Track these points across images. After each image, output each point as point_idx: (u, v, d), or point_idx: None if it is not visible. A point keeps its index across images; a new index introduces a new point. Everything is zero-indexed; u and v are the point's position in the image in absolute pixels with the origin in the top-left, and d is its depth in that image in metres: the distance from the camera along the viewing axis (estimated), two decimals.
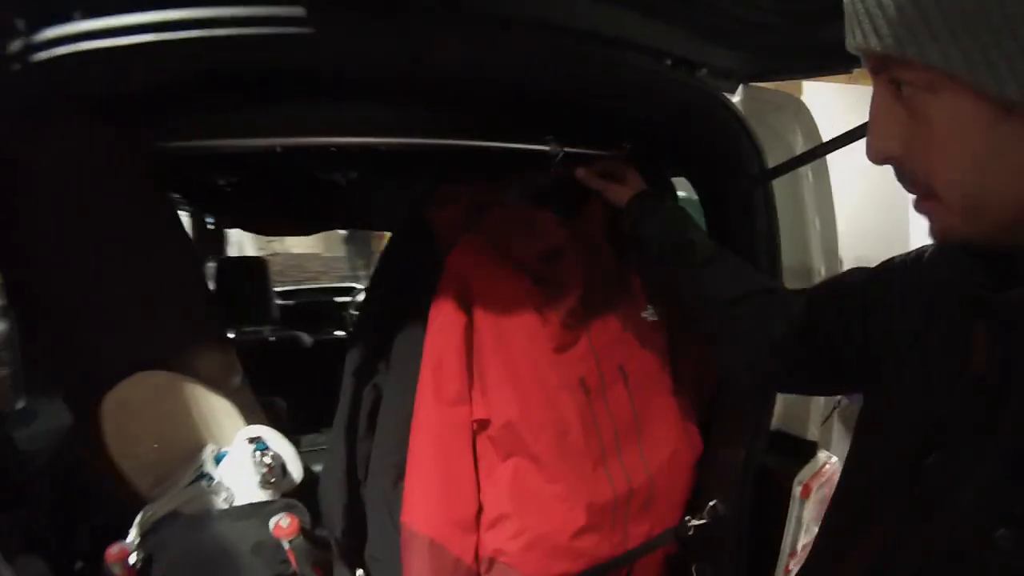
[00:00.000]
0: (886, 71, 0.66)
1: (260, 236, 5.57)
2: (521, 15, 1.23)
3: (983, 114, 0.60)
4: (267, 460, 1.52)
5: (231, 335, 3.24)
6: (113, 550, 1.36)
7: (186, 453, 1.56)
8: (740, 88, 1.61)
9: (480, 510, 1.54)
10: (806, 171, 1.66)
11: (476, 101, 1.69)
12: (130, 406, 1.53)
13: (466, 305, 1.54)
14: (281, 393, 2.05)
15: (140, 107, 1.45)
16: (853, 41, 0.67)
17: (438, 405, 1.51)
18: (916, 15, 0.59)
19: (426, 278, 1.57)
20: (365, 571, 1.62)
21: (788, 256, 1.66)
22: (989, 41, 0.57)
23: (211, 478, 1.52)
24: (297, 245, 11.81)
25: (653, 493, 1.62)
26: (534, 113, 1.74)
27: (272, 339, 3.21)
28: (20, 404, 1.85)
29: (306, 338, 3.09)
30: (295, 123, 1.59)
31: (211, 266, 3.90)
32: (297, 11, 1.10)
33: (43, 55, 1.12)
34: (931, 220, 0.70)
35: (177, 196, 2.78)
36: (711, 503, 1.64)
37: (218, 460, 1.54)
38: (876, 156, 0.69)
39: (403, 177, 2.17)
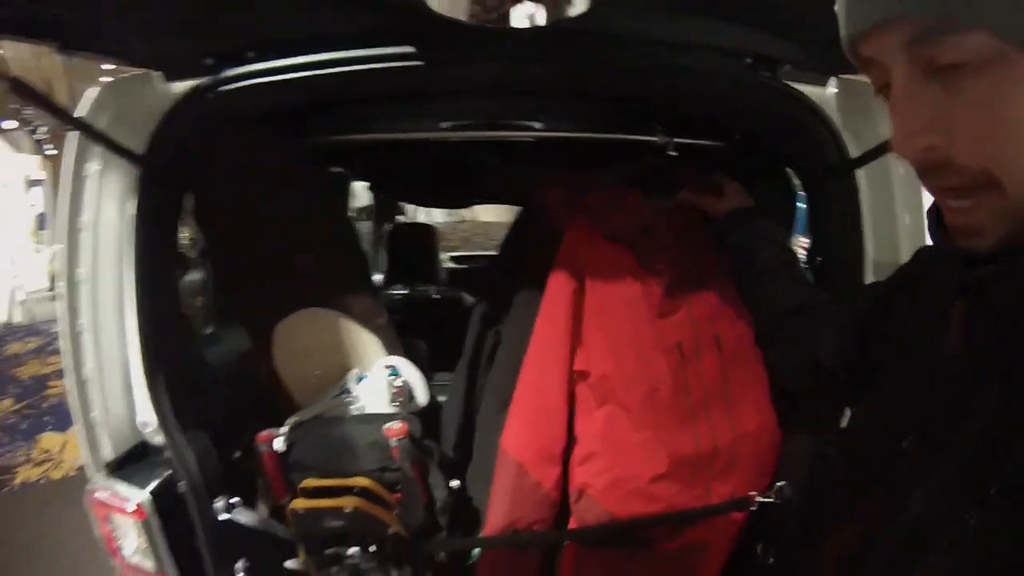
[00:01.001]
0: (919, 49, 0.58)
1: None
2: (596, 30, 1.42)
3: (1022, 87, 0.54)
4: (397, 383, 1.85)
5: (403, 291, 3.66)
6: (263, 434, 1.74)
7: (336, 374, 1.93)
8: (834, 80, 1.64)
9: (570, 447, 1.75)
10: (896, 165, 1.64)
11: (588, 100, 1.94)
12: (295, 335, 1.95)
13: (577, 273, 1.75)
14: (434, 341, 2.29)
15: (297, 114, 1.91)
16: (871, 16, 0.61)
17: (545, 354, 1.75)
18: None
19: (542, 246, 1.82)
20: (461, 483, 1.87)
21: (877, 250, 1.68)
22: None
23: (351, 394, 1.87)
24: (484, 213, 12.26)
25: (737, 456, 1.72)
26: (640, 108, 1.93)
27: (436, 297, 3.43)
28: (209, 330, 2.30)
29: (468, 298, 3.34)
30: (436, 117, 1.92)
31: (387, 229, 4.43)
32: (408, 49, 1.45)
33: (226, 88, 1.55)
34: (974, 220, 0.61)
35: (354, 174, 3.32)
36: (779, 484, 1.71)
37: (359, 380, 1.89)
38: (913, 148, 0.61)
39: (530, 162, 2.39)
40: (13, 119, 16.09)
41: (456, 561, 1.86)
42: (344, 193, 3.80)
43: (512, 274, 1.98)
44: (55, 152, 19.78)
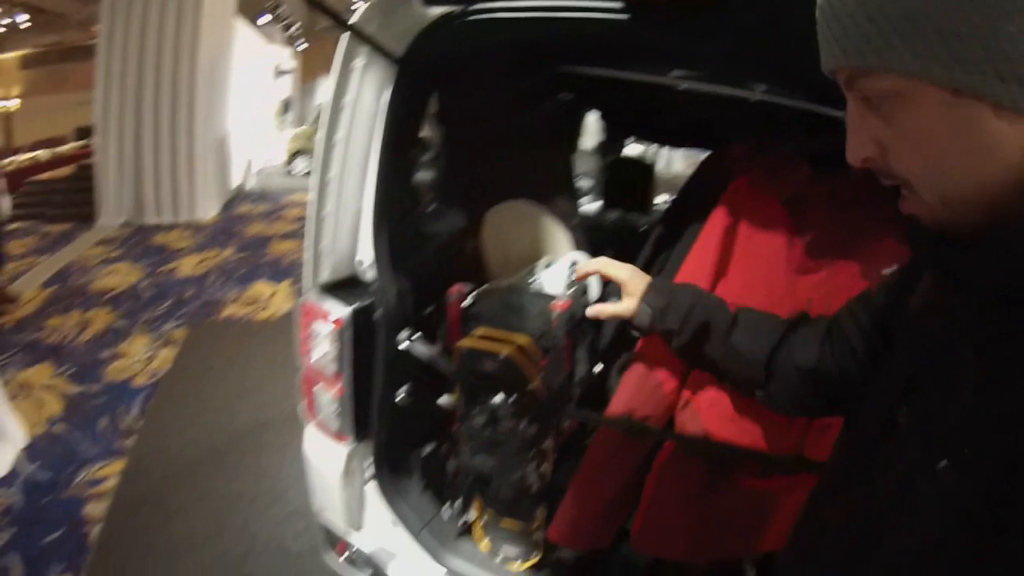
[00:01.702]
0: (856, 86, 0.74)
1: None
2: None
3: (938, 104, 0.67)
4: (575, 275, 2.02)
5: (614, 218, 3.92)
6: (456, 287, 2.05)
7: (529, 259, 2.20)
8: None
9: None
10: None
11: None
12: (502, 221, 2.25)
13: (734, 216, 1.89)
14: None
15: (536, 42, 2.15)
16: (827, 64, 0.76)
17: (692, 276, 1.89)
18: (873, 31, 0.68)
19: (714, 189, 1.97)
20: (604, 370, 2.08)
21: None
22: (932, 38, 0.64)
23: (536, 276, 2.12)
24: None
25: (835, 423, 1.67)
26: None
27: (643, 229, 3.47)
28: (432, 207, 2.67)
29: None
30: (665, 65, 2.09)
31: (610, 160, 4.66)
32: (615, 4, 1.60)
33: (472, 18, 1.83)
34: (913, 209, 0.75)
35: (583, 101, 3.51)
36: None
37: (546, 267, 2.13)
38: (856, 160, 0.77)
39: (741, 120, 2.50)
40: (269, 14, 17.20)
41: (577, 430, 2.09)
42: (571, 117, 4.12)
43: (686, 209, 2.14)
44: (306, 46, 21.07)
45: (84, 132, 18.83)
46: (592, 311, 1.74)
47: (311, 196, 2.02)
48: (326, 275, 2.07)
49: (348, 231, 2.06)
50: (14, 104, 25.64)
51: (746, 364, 1.47)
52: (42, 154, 18.11)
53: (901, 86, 0.68)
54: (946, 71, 0.64)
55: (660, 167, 10.77)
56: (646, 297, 1.58)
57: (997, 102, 0.63)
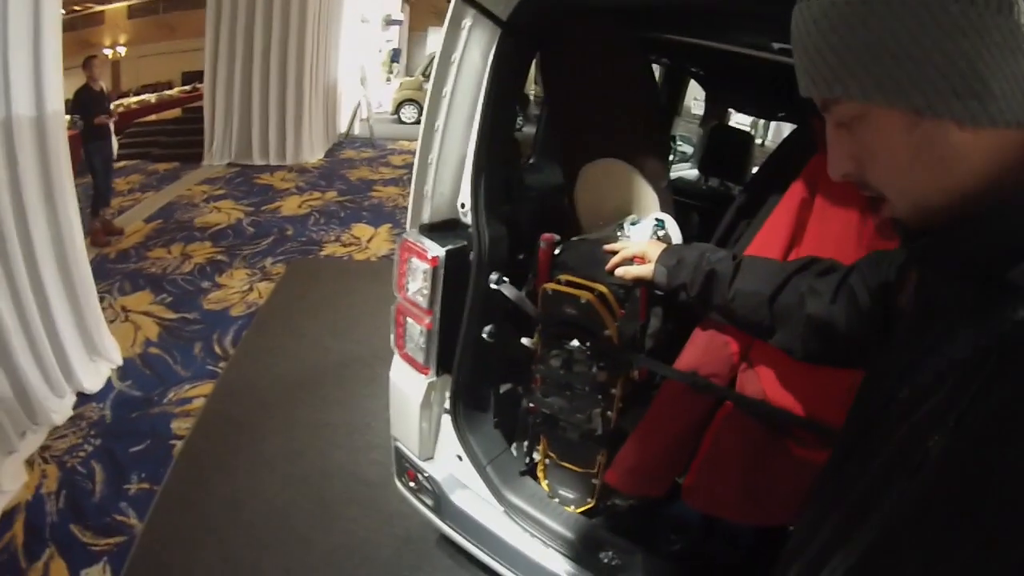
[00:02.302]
0: (829, 110, 0.80)
1: None
2: None
3: (901, 125, 0.72)
4: (659, 233, 2.14)
5: (710, 183, 4.03)
6: (547, 235, 2.16)
7: (617, 215, 2.30)
8: None
9: None
10: None
11: None
12: (596, 177, 2.36)
13: (811, 188, 1.93)
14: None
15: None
16: (802, 91, 0.83)
17: (767, 241, 1.97)
18: (836, 63, 0.74)
19: (799, 164, 2.01)
20: (675, 325, 2.15)
21: None
22: (881, 73, 0.71)
23: (623, 231, 2.21)
24: None
25: None
26: None
27: (734, 195, 3.46)
28: (532, 160, 2.77)
29: None
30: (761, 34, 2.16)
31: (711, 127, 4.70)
32: None
33: None
34: (893, 214, 0.81)
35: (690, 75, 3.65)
36: None
37: (633, 224, 2.22)
38: (836, 175, 0.84)
39: None
40: None
41: (645, 380, 2.17)
42: (669, 82, 4.25)
43: (769, 180, 2.20)
44: None
45: (191, 77, 19.40)
46: (619, 272, 1.93)
47: (419, 143, 2.16)
48: (427, 216, 2.23)
49: (451, 177, 2.21)
50: (122, 52, 26.36)
51: (752, 307, 1.60)
52: (150, 97, 18.60)
53: (866, 111, 0.75)
54: (905, 96, 0.70)
55: (769, 140, 10.69)
56: (660, 259, 1.82)
57: (961, 119, 0.69)
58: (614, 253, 1.97)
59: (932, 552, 0.68)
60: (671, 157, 4.74)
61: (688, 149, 5.38)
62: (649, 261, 1.85)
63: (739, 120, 7.59)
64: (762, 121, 10.51)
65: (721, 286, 1.66)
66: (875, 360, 1.06)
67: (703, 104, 6.22)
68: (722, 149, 4.20)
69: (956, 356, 0.73)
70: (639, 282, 1.92)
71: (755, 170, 4.55)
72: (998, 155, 0.69)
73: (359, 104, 14.55)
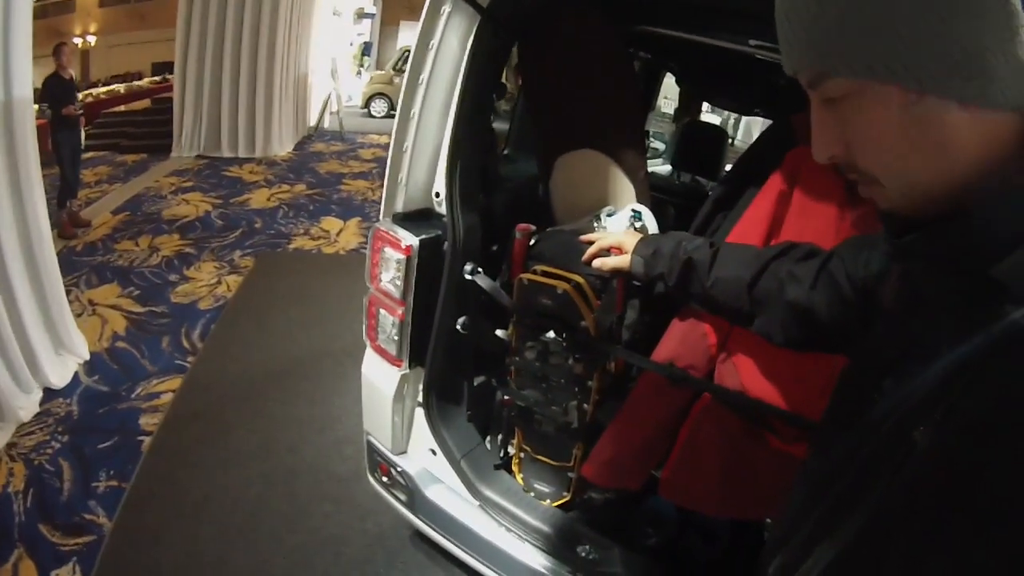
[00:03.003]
0: (819, 88, 0.76)
1: None
2: None
3: (894, 107, 0.70)
4: (636, 224, 2.13)
5: (684, 180, 4.02)
6: (522, 225, 2.15)
7: (594, 205, 2.26)
8: None
9: None
10: None
11: None
12: (572, 168, 2.34)
13: (790, 181, 1.93)
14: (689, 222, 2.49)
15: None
16: (789, 66, 0.79)
17: (746, 232, 1.97)
18: (836, 37, 0.71)
19: (777, 158, 2.00)
20: (652, 318, 2.15)
21: None
22: (882, 47, 0.68)
23: (600, 222, 2.19)
24: None
25: None
26: None
27: (707, 191, 3.51)
28: (507, 151, 2.75)
29: None
30: (737, 33, 2.12)
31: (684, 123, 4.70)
32: None
33: None
34: (877, 200, 0.79)
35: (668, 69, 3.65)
36: None
37: (609, 215, 2.19)
38: (821, 158, 0.80)
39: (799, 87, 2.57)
40: None
41: (622, 372, 2.17)
42: (647, 76, 4.24)
43: (747, 173, 2.19)
44: None
45: (161, 67, 19.17)
46: (596, 264, 1.90)
47: (394, 130, 2.13)
48: (400, 205, 2.20)
49: (425, 166, 2.18)
50: (92, 41, 26.11)
51: (732, 294, 1.58)
52: (119, 87, 18.41)
53: (860, 87, 0.72)
54: (909, 71, 0.67)
55: (739, 136, 10.76)
56: (637, 249, 1.79)
57: (959, 99, 0.67)
58: (590, 244, 1.95)
59: (917, 544, 0.68)
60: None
61: (660, 145, 5.39)
62: (626, 252, 1.82)
63: (710, 119, 7.65)
64: (732, 120, 10.54)
65: (700, 274, 1.64)
66: (858, 350, 1.05)
67: (672, 103, 6.25)
68: (696, 145, 4.20)
69: (942, 350, 0.72)
70: (617, 273, 1.89)
71: (730, 166, 4.60)
72: (992, 139, 0.68)
73: (329, 97, 14.53)
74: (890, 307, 0.99)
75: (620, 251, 1.85)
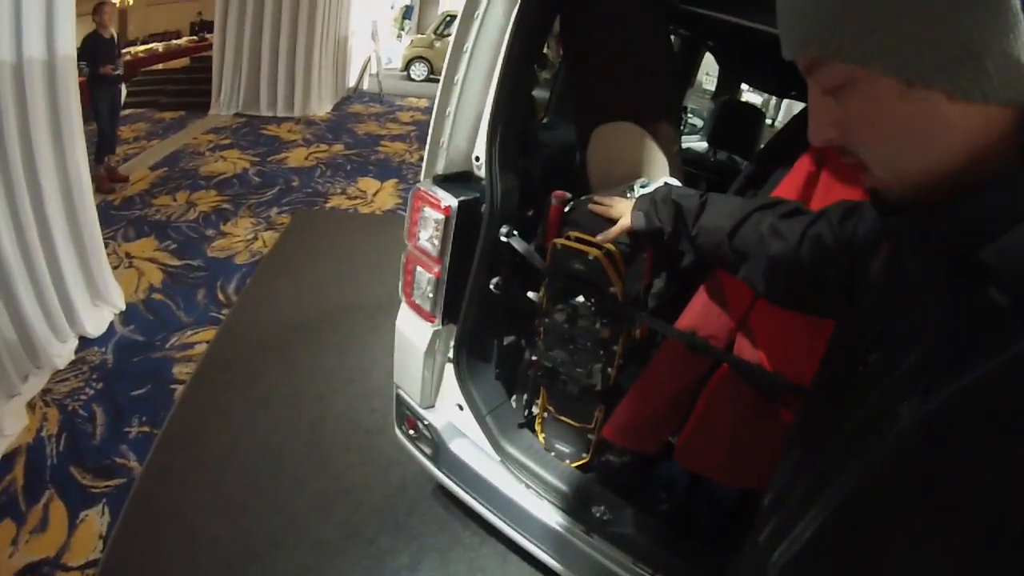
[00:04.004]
0: (815, 73, 0.76)
1: None
2: None
3: (891, 94, 0.70)
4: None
5: (719, 156, 4.05)
6: (559, 192, 2.22)
7: (628, 176, 2.33)
8: None
9: None
10: None
11: None
12: (609, 139, 2.38)
13: (818, 164, 1.96)
14: None
15: None
16: (787, 50, 0.79)
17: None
18: (833, 22, 0.71)
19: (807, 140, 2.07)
20: (680, 287, 2.23)
21: None
22: (879, 39, 0.68)
23: (632, 193, 2.21)
24: None
25: None
26: None
27: (741, 169, 3.49)
28: (547, 119, 2.79)
29: None
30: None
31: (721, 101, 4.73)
32: None
33: None
34: (873, 184, 0.79)
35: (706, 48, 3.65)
36: None
37: (643, 187, 2.24)
38: (817, 141, 0.80)
39: None
40: None
41: (645, 339, 2.23)
42: (686, 53, 4.26)
43: (779, 153, 2.24)
44: None
45: (199, 26, 19.19)
46: (600, 237, 1.99)
47: (437, 95, 2.19)
48: (441, 167, 2.27)
49: (467, 131, 2.24)
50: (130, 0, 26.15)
51: (714, 243, 1.64)
52: (157, 46, 18.42)
53: (858, 74, 0.72)
54: (904, 62, 0.68)
55: (780, 118, 10.67)
56: (637, 204, 1.87)
57: (951, 91, 0.67)
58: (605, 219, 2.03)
59: (900, 516, 0.71)
60: (682, 127, 4.72)
61: (698, 122, 5.39)
62: (624, 213, 1.91)
63: (751, 99, 7.60)
64: (773, 102, 10.48)
65: (688, 221, 1.70)
66: (844, 322, 1.09)
67: (713, 79, 6.22)
68: (733, 123, 4.21)
69: (927, 328, 0.74)
70: (632, 236, 1.96)
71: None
72: (984, 131, 0.69)
73: (369, 59, 14.51)
74: (876, 281, 1.01)
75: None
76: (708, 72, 7.14)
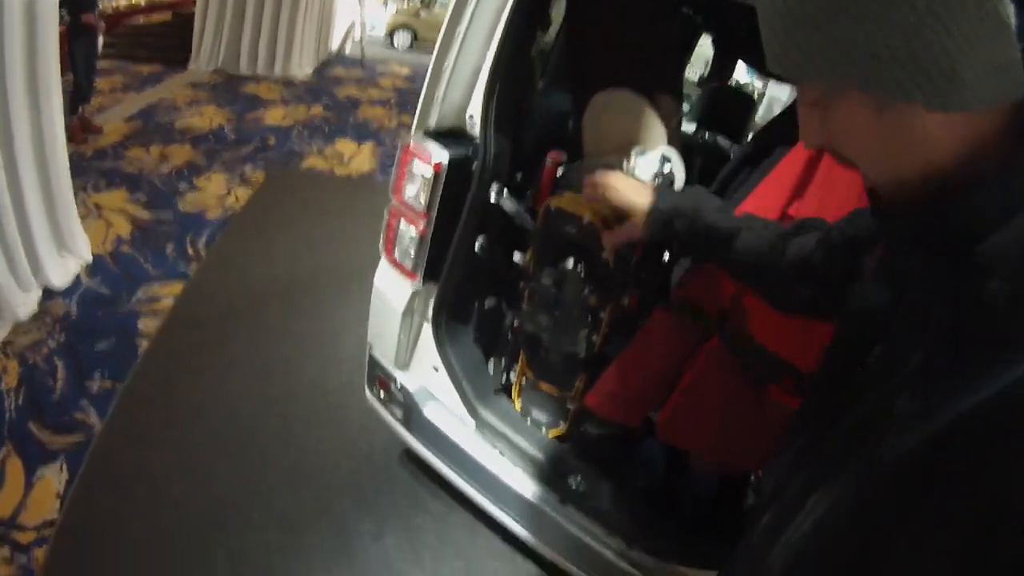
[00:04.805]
0: (796, 86, 0.82)
1: None
2: None
3: (867, 112, 0.73)
4: (664, 169, 2.12)
5: (709, 141, 3.94)
6: (554, 152, 2.19)
7: (625, 145, 2.24)
8: None
9: None
10: None
11: None
12: (608, 106, 2.32)
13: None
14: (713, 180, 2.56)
15: None
16: (769, 67, 0.81)
17: (771, 189, 2.01)
18: (799, 49, 0.74)
19: None
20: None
21: None
22: (852, 60, 0.70)
23: (629, 162, 2.16)
24: None
25: None
26: None
27: (729, 153, 3.51)
28: (543, 84, 2.75)
29: None
30: None
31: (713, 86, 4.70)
32: None
33: None
34: (869, 184, 0.84)
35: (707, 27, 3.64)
36: None
37: (639, 155, 2.17)
38: (809, 146, 0.86)
39: None
40: None
41: (635, 309, 2.19)
42: (688, 30, 4.18)
43: (779, 133, 2.23)
44: None
45: None
46: (607, 243, 1.85)
47: (436, 48, 2.13)
48: (433, 121, 2.20)
49: (463, 87, 2.18)
50: None
51: (752, 271, 1.50)
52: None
53: (835, 91, 0.75)
54: (876, 80, 0.70)
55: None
56: (654, 215, 1.55)
57: (927, 105, 0.69)
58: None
59: (899, 509, 0.71)
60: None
61: (685, 106, 5.38)
62: (632, 213, 1.61)
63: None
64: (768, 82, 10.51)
65: (717, 243, 1.52)
66: (845, 321, 1.08)
67: (696, 70, 6.21)
68: (724, 107, 4.21)
69: (926, 326, 0.75)
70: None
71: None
72: (970, 136, 0.70)
73: (352, 24, 14.37)
74: (875, 277, 1.00)
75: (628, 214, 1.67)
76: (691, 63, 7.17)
